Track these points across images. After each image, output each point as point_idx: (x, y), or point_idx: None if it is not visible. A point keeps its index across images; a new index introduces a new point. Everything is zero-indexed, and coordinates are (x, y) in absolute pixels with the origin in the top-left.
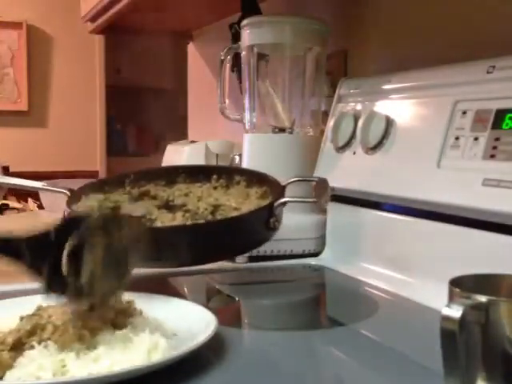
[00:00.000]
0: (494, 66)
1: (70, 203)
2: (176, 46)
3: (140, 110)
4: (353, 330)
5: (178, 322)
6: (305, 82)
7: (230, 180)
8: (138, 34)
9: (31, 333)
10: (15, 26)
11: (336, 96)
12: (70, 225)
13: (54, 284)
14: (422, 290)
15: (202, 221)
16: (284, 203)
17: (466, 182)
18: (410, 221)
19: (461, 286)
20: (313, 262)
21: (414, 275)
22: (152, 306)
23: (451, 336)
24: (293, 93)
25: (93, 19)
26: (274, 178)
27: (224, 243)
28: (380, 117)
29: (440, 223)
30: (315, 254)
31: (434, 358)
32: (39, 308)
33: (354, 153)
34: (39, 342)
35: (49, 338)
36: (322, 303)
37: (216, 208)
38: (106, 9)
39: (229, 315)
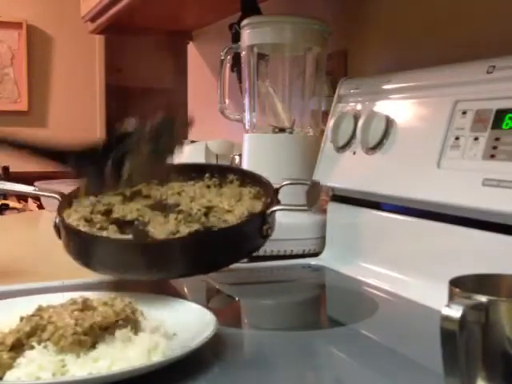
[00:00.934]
0: (493, 66)
1: (60, 209)
2: (176, 46)
3: (140, 110)
4: (353, 330)
5: (177, 322)
6: (305, 82)
7: (223, 179)
8: (137, 33)
9: (31, 333)
10: (15, 25)
11: (336, 96)
12: (118, 139)
13: (94, 185)
14: (421, 290)
15: (194, 227)
16: (275, 211)
17: (466, 182)
18: (410, 221)
19: (461, 286)
20: (313, 262)
21: (414, 275)
22: (152, 306)
23: (451, 336)
24: (293, 93)
25: (93, 19)
26: (267, 179)
27: (216, 254)
28: (380, 117)
29: (440, 223)
30: (315, 254)
31: (433, 357)
32: (39, 308)
33: (354, 153)
34: (39, 343)
35: (48, 339)
36: (321, 303)
37: (209, 209)
38: (106, 9)
39: (229, 315)
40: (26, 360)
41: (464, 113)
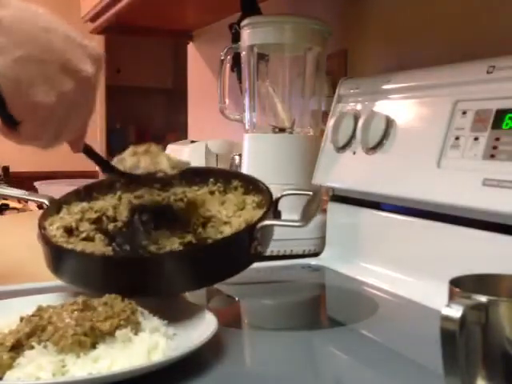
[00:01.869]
0: (493, 66)
1: (44, 215)
2: (176, 46)
3: (140, 110)
4: (353, 330)
5: (177, 322)
6: (305, 81)
7: (227, 184)
8: (137, 34)
9: (31, 334)
10: None
11: (336, 96)
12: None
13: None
14: (421, 289)
15: (186, 239)
16: (264, 227)
17: (466, 182)
18: (410, 221)
19: (461, 285)
20: (313, 262)
21: (413, 275)
22: (152, 306)
23: (451, 336)
24: (293, 93)
25: (93, 19)
26: (268, 188)
27: (197, 272)
28: (380, 117)
29: (440, 223)
30: (315, 254)
31: (433, 357)
32: (39, 309)
33: (354, 153)
34: (39, 343)
35: (48, 340)
36: (321, 303)
37: (207, 220)
38: (105, 9)
39: (229, 315)
40: (26, 360)
41: (464, 113)
